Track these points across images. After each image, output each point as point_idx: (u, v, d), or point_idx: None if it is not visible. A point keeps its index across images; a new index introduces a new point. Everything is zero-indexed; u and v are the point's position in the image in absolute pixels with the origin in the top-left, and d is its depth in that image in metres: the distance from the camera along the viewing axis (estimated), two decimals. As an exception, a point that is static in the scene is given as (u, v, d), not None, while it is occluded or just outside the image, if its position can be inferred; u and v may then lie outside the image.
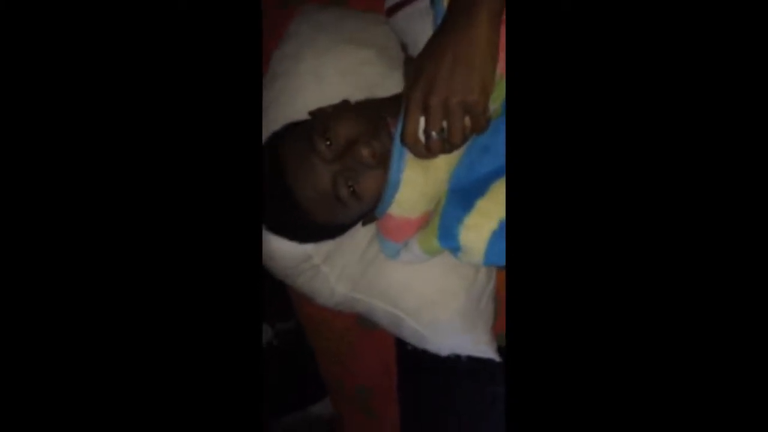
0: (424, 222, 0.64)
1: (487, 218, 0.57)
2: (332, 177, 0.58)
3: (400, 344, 0.88)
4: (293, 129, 0.64)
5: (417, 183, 0.58)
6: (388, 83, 0.72)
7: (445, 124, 0.49)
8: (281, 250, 0.73)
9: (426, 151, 0.51)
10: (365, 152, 0.55)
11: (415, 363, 0.89)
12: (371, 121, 0.58)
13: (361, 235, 0.74)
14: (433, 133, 0.49)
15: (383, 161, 0.57)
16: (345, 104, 0.67)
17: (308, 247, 0.74)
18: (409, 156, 0.55)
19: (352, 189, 0.58)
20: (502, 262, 0.59)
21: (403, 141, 0.51)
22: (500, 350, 0.77)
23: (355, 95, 0.68)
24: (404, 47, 0.70)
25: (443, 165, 0.57)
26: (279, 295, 1.05)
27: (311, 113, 0.67)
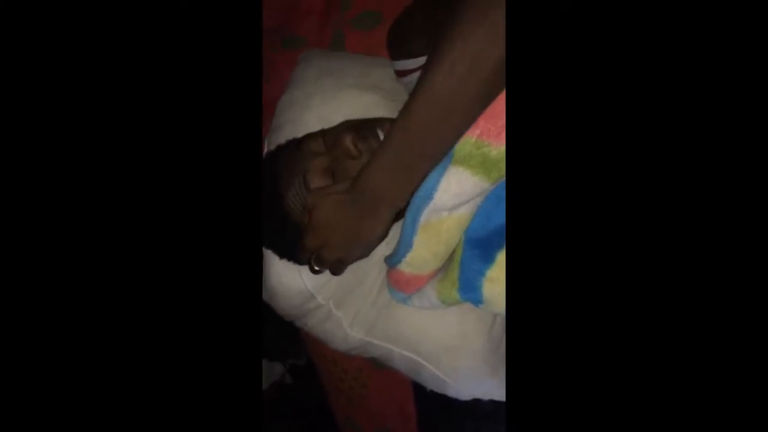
0: (434, 275, 0.63)
1: None
2: (313, 162, 0.60)
3: (417, 384, 0.86)
4: (288, 145, 0.67)
5: (430, 245, 0.58)
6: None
7: None
8: (282, 287, 0.72)
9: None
10: (348, 140, 0.57)
11: (435, 403, 0.87)
12: (363, 128, 0.61)
13: (371, 280, 0.73)
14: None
15: (365, 152, 0.58)
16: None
17: (309, 285, 0.72)
18: (423, 220, 0.55)
19: (331, 173, 0.59)
20: None
21: None
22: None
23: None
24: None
25: (456, 227, 0.57)
26: (289, 332, 1.03)
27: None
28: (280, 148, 0.66)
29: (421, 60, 0.64)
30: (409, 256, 0.59)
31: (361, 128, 0.60)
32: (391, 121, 0.63)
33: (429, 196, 0.54)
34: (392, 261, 0.62)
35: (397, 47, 0.68)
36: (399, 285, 0.66)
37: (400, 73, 0.68)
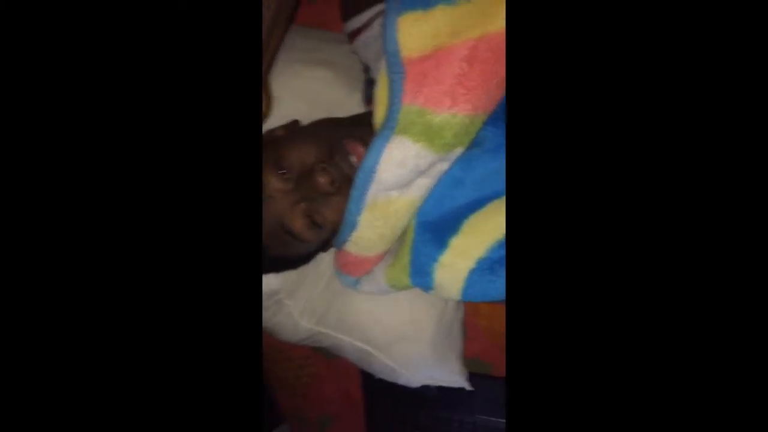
0: (381, 258, 0.61)
1: (463, 257, 0.55)
2: (291, 208, 0.54)
3: (365, 372, 0.85)
4: None
5: (376, 225, 0.55)
6: (348, 104, 0.69)
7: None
8: None
9: None
10: (323, 180, 0.52)
11: (382, 390, 0.86)
12: (327, 145, 0.55)
13: (325, 265, 0.70)
14: None
15: (342, 187, 0.54)
16: (294, 125, 0.63)
17: (273, 283, 0.69)
18: (369, 198, 0.53)
19: (311, 220, 0.55)
20: (480, 299, 0.57)
21: None
22: (470, 377, 0.75)
23: (312, 116, 0.65)
24: (366, 69, 0.67)
25: (405, 209, 0.55)
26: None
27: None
28: None
29: (368, 14, 0.59)
30: (354, 236, 0.57)
31: (324, 144, 0.55)
32: (354, 124, 0.60)
33: (372, 169, 0.51)
34: (338, 240, 0.59)
35: (349, 3, 0.63)
36: (347, 267, 0.63)
37: (351, 37, 0.64)
